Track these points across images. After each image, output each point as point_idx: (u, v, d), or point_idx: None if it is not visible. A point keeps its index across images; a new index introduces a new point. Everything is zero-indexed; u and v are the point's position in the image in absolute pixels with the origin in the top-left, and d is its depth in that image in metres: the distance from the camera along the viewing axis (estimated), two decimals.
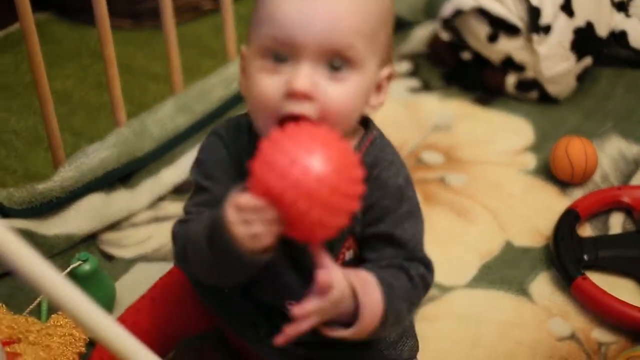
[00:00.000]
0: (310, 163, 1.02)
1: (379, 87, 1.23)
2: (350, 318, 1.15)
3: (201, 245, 1.16)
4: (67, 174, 1.84)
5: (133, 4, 2.76)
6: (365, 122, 1.28)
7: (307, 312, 1.10)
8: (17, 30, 2.62)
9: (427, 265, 1.27)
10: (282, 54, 1.14)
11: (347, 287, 1.13)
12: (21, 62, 2.50)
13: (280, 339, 1.11)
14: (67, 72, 2.54)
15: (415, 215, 1.26)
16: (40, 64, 1.82)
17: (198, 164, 1.30)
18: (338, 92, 1.14)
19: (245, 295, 1.36)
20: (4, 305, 1.48)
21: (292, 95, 1.11)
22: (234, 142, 1.27)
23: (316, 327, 1.15)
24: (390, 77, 1.25)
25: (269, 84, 1.14)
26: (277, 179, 1.02)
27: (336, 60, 1.14)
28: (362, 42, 1.15)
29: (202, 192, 1.27)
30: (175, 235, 1.28)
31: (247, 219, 1.07)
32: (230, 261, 1.12)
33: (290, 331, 1.11)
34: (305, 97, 1.11)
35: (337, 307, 1.12)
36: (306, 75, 1.11)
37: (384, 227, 1.23)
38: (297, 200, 1.02)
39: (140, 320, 1.39)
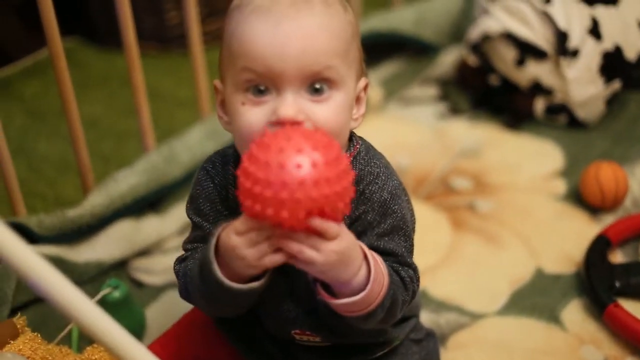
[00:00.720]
0: (282, 166, 1.03)
1: (358, 100, 1.25)
2: (354, 293, 1.15)
3: (196, 282, 1.21)
4: (96, 201, 1.84)
5: (161, 29, 2.78)
6: (349, 137, 1.28)
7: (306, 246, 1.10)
8: (45, 56, 2.63)
9: (415, 270, 1.28)
10: (262, 85, 1.15)
11: (357, 246, 1.14)
12: (50, 87, 2.52)
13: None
14: (96, 97, 2.55)
15: (399, 229, 1.26)
16: (69, 89, 1.83)
17: (190, 200, 1.32)
18: (324, 113, 1.15)
19: (262, 329, 1.38)
20: (38, 335, 1.47)
21: (280, 123, 1.12)
22: (220, 175, 1.28)
23: (319, 293, 1.18)
24: (366, 88, 1.26)
25: (254, 115, 1.15)
26: (255, 200, 1.04)
27: (317, 83, 1.15)
28: (338, 61, 1.16)
29: (195, 228, 1.31)
30: (177, 273, 1.31)
31: (253, 239, 1.10)
32: (221, 294, 1.17)
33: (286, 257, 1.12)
34: (293, 123, 1.12)
35: (343, 260, 1.12)
36: (291, 102, 1.13)
37: (367, 240, 1.23)
38: (278, 210, 1.04)
39: (165, 357, 1.40)
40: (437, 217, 1.98)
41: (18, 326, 1.48)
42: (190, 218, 1.31)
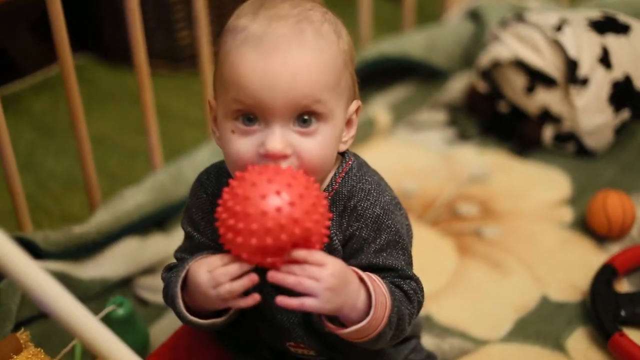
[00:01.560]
0: (247, 215, 1.08)
1: (349, 122, 1.27)
2: (360, 317, 1.18)
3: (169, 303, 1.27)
4: (103, 218, 1.85)
5: (172, 48, 2.79)
6: (341, 153, 1.30)
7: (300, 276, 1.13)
8: (56, 72, 2.64)
9: (418, 282, 1.29)
10: (252, 114, 1.17)
11: (348, 268, 1.17)
12: (59, 104, 2.53)
13: (279, 299, 1.13)
14: (105, 115, 2.55)
15: (395, 243, 1.27)
16: (79, 106, 1.84)
17: (185, 209, 1.36)
18: (311, 146, 1.18)
19: (260, 340, 1.39)
20: (42, 350, 1.47)
21: (268, 156, 1.15)
22: (214, 186, 1.31)
23: (327, 326, 1.20)
24: (358, 110, 1.28)
25: (242, 145, 1.18)
26: (233, 232, 1.10)
27: (305, 115, 1.17)
28: (326, 94, 1.18)
29: (187, 238, 1.35)
30: (163, 280, 1.33)
31: (217, 280, 1.15)
32: (186, 323, 1.25)
33: (287, 301, 1.13)
34: (280, 157, 1.15)
35: (342, 282, 1.14)
36: (278, 136, 1.15)
37: (365, 258, 1.25)
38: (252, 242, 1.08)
39: None
40: (443, 242, 1.97)
41: (21, 341, 1.47)
42: (183, 227, 1.34)
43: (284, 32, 1.15)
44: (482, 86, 2.40)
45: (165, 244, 1.92)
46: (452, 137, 2.41)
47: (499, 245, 1.96)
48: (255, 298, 1.15)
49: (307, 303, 1.12)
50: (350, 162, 1.29)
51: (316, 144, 1.18)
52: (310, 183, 1.11)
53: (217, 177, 1.31)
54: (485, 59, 2.35)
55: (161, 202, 1.95)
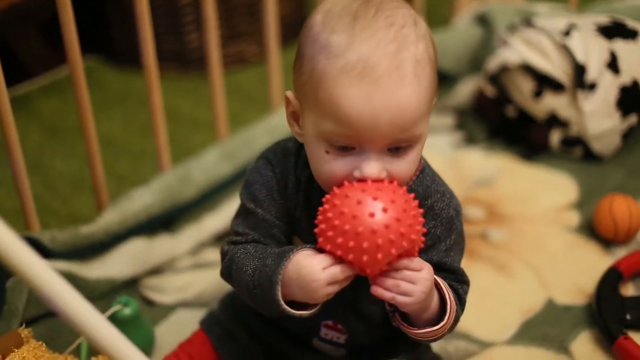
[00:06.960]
0: (355, 217, 1.13)
1: None
2: (431, 318, 1.26)
3: (247, 279, 1.26)
4: (110, 218, 1.85)
5: (181, 51, 2.79)
6: None
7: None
8: (65, 74, 2.65)
9: (469, 285, 1.37)
10: (349, 146, 1.18)
11: (432, 283, 1.23)
12: (68, 105, 2.53)
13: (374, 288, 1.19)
14: (113, 116, 2.56)
15: (458, 243, 1.34)
16: (88, 108, 1.85)
17: (246, 185, 1.36)
18: (402, 166, 1.20)
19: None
20: (43, 344, 1.47)
21: (364, 180, 1.17)
22: (281, 164, 1.33)
23: (400, 324, 1.27)
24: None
25: (336, 166, 1.19)
26: (336, 248, 1.15)
27: (400, 145, 1.19)
28: (422, 123, 1.19)
29: (248, 214, 1.35)
30: (225, 253, 1.36)
31: (336, 276, 1.18)
32: (272, 308, 1.23)
33: (379, 288, 1.18)
34: (375, 181, 1.17)
35: (432, 287, 1.21)
36: (374, 161, 1.17)
37: (436, 256, 1.30)
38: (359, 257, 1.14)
39: None
40: None
41: (22, 335, 1.47)
42: (244, 203, 1.35)
43: (386, 65, 1.13)
44: (490, 90, 2.40)
45: (172, 244, 1.92)
46: (460, 140, 2.42)
47: (505, 249, 1.96)
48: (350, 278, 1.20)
49: (399, 299, 1.17)
50: (422, 162, 1.34)
51: (406, 164, 1.20)
52: (407, 194, 1.17)
53: (283, 157, 1.34)
54: (493, 64, 2.35)
55: (168, 203, 1.95)
